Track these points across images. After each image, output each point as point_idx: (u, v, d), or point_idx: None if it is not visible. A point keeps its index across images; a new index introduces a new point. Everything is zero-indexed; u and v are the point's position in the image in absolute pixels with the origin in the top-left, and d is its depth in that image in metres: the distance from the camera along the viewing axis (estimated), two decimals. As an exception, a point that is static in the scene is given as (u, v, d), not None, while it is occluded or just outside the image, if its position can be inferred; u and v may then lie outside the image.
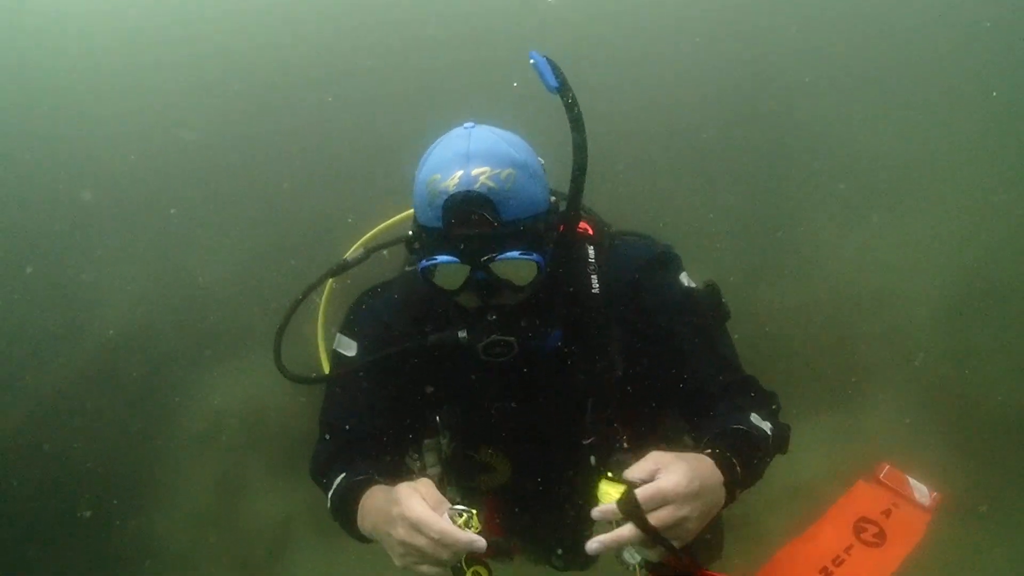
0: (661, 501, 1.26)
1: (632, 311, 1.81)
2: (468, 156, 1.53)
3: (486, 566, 2.19)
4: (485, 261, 1.54)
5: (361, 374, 1.86)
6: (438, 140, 1.64)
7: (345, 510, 1.64)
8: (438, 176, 1.53)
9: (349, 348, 1.90)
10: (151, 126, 8.32)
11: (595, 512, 1.30)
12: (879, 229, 6.10)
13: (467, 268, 1.56)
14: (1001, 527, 3.85)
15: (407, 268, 1.98)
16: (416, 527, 1.29)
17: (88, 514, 4.95)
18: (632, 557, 1.34)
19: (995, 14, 7.43)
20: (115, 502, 5.06)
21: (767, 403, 1.82)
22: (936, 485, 3.41)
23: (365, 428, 1.86)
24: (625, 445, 1.87)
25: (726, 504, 1.44)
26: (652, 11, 8.84)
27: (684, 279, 1.88)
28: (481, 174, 1.51)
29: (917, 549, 2.03)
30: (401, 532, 1.31)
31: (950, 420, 4.40)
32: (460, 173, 1.51)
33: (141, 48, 8.90)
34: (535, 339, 1.71)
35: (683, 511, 1.27)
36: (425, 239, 1.63)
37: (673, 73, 8.47)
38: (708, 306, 1.90)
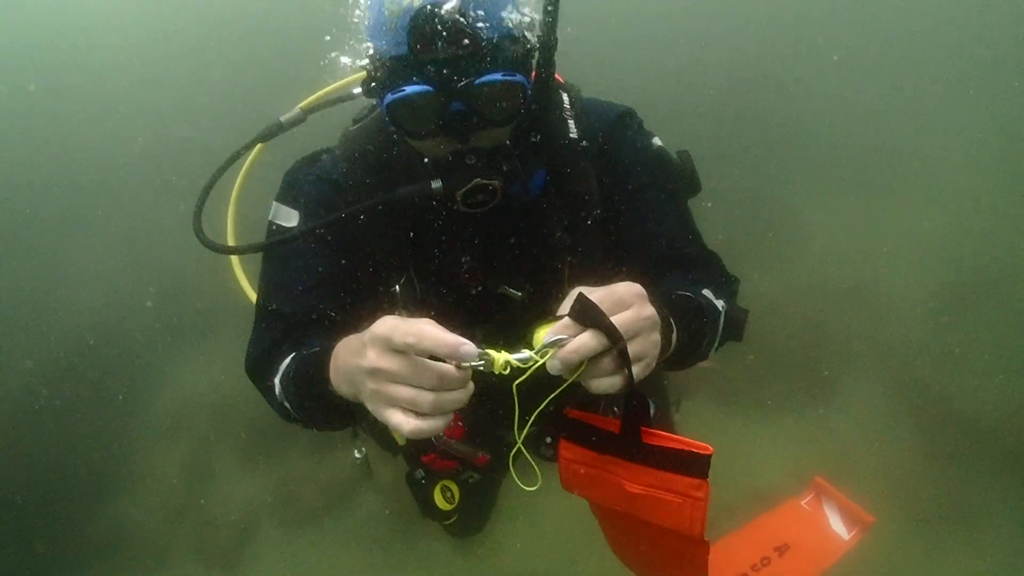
0: (618, 303, 1.08)
1: (607, 163, 1.67)
2: None
3: (455, 481, 2.00)
4: (463, 87, 1.32)
5: (306, 245, 1.61)
6: None
7: (308, 380, 1.37)
8: None
9: (289, 218, 1.63)
10: (117, 109, 8.27)
11: (547, 335, 1.06)
12: (865, 220, 5.92)
13: (442, 97, 1.33)
14: (965, 537, 3.72)
15: (351, 128, 1.73)
16: (387, 342, 1.02)
17: (60, 507, 4.97)
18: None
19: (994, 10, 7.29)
20: (85, 493, 5.08)
21: (726, 284, 1.70)
22: (885, 497, 3.34)
23: (312, 309, 1.60)
24: None
25: (658, 364, 1.23)
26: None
27: (658, 141, 1.75)
28: None
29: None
30: (372, 356, 1.04)
31: (925, 422, 4.24)
32: None
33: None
34: (520, 182, 1.51)
35: (646, 312, 1.10)
36: (385, 72, 1.38)
37: (671, 51, 8.35)
38: (681, 173, 1.80)
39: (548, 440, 1.94)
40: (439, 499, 2.05)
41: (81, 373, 5.84)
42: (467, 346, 1.01)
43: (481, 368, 1.04)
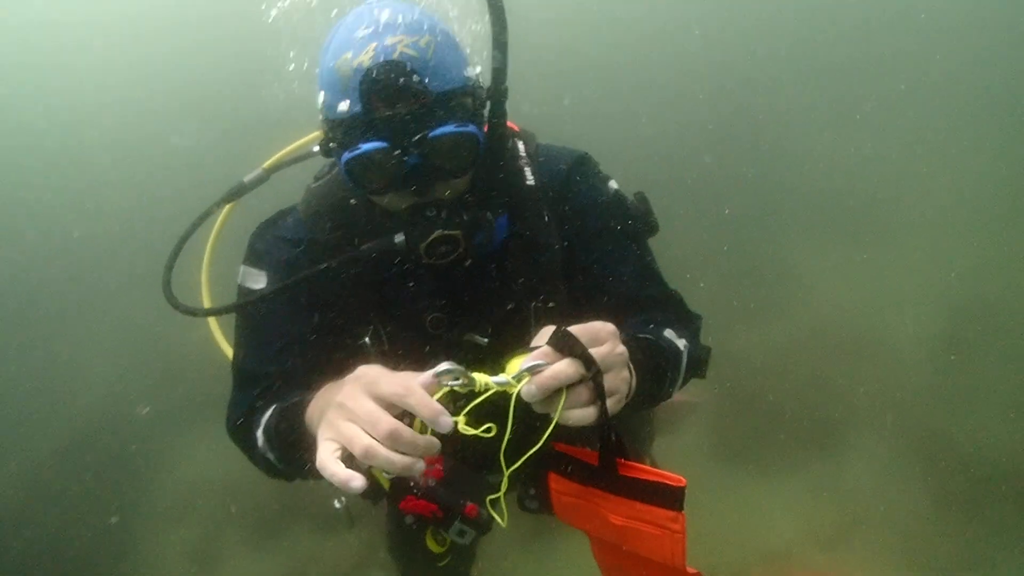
0: (594, 338, 1.11)
1: (565, 208, 1.70)
2: (379, 28, 1.35)
3: (442, 531, 1.94)
4: (417, 140, 1.36)
5: (276, 305, 1.65)
6: (339, 22, 1.45)
7: (289, 428, 1.39)
8: (348, 54, 1.35)
9: (257, 280, 1.68)
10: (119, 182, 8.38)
11: (525, 361, 1.08)
12: (861, 267, 5.94)
13: (398, 153, 1.37)
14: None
15: (313, 184, 1.76)
16: (370, 386, 1.06)
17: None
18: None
19: (985, 46, 7.40)
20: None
21: (688, 322, 1.73)
22: (900, 550, 3.26)
23: (288, 367, 1.64)
24: None
25: (627, 403, 1.27)
26: (641, 44, 8.84)
27: (614, 184, 1.78)
28: (398, 43, 1.33)
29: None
30: (346, 391, 1.08)
31: (936, 470, 4.16)
32: (374, 45, 1.33)
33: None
34: (482, 231, 1.53)
35: (619, 348, 1.13)
36: (342, 132, 1.42)
37: (660, 100, 8.45)
38: (638, 214, 1.81)
39: (532, 492, 1.93)
40: (431, 543, 2.02)
41: (85, 458, 5.81)
42: (446, 417, 1.03)
43: (460, 388, 1.08)
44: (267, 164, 2.12)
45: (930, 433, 4.43)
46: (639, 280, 1.74)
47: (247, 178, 2.04)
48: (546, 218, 1.69)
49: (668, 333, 1.59)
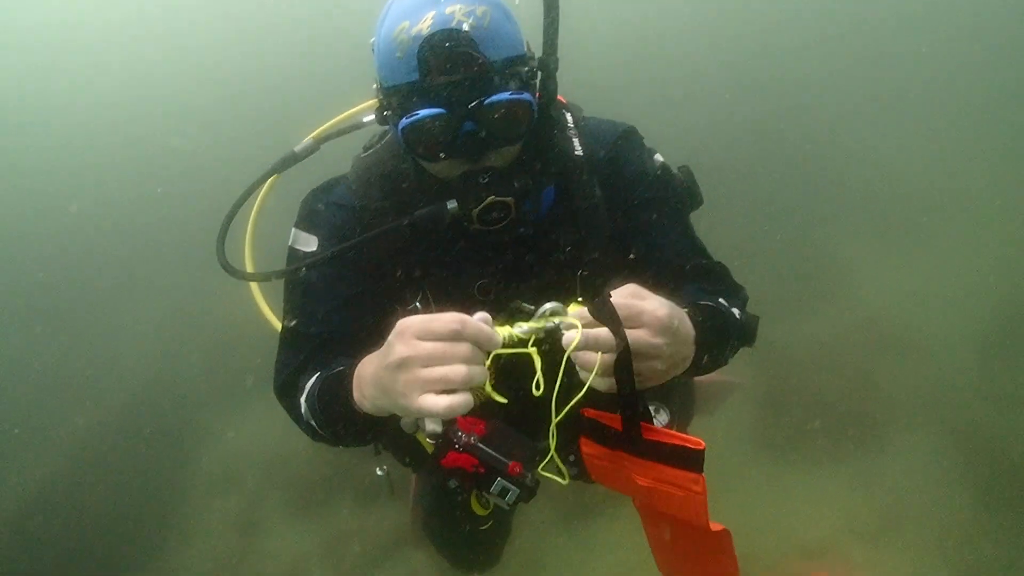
0: (636, 320, 1.15)
1: (612, 179, 1.73)
2: None
3: (484, 492, 1.98)
4: (474, 107, 1.40)
5: (326, 268, 1.69)
6: None
7: (332, 398, 1.45)
8: (406, 23, 1.38)
9: (308, 243, 1.73)
10: (175, 161, 8.50)
11: (548, 306, 1.21)
12: (909, 263, 5.84)
13: (454, 119, 1.41)
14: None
15: (362, 154, 1.81)
16: (420, 332, 1.10)
17: (111, 560, 5.07)
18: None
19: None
20: (136, 548, 5.15)
21: (736, 292, 1.76)
22: (940, 549, 3.22)
23: (336, 329, 1.68)
24: None
25: (686, 371, 1.32)
26: (689, 37, 8.79)
27: (659, 157, 1.82)
28: (455, 12, 1.36)
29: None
30: (400, 348, 1.11)
31: (980, 470, 4.08)
32: (432, 13, 1.36)
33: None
34: (531, 199, 1.58)
35: (657, 340, 1.17)
36: (398, 99, 1.45)
37: (708, 95, 8.40)
38: (684, 186, 1.86)
39: (571, 458, 1.97)
40: (475, 505, 2.06)
41: (133, 430, 5.99)
42: (497, 336, 1.12)
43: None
44: (316, 134, 2.17)
45: (973, 432, 4.35)
46: (685, 251, 1.77)
47: (298, 148, 2.09)
48: (594, 188, 1.71)
49: (722, 301, 1.62)
